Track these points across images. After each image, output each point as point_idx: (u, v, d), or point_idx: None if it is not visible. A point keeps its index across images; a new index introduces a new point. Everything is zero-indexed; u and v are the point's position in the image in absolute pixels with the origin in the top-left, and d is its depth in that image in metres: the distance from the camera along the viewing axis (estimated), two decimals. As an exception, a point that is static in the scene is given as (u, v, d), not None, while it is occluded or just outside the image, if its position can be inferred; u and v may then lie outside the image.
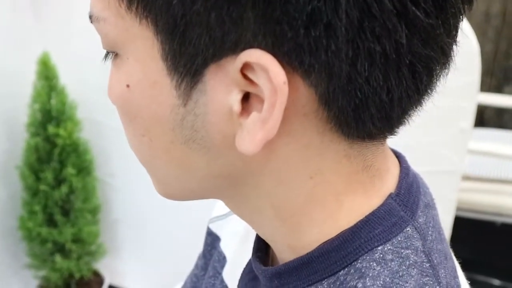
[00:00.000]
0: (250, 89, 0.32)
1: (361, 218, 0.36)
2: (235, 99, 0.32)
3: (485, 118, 2.50)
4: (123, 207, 1.83)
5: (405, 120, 0.36)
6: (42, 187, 1.53)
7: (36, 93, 1.52)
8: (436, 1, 0.30)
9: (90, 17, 0.35)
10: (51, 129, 1.51)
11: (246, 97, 0.32)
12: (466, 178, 1.64)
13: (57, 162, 1.54)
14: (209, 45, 0.30)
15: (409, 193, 0.39)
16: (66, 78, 1.59)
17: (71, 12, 1.61)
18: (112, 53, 0.36)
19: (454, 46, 0.34)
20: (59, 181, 1.56)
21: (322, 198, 0.36)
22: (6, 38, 1.54)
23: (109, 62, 0.38)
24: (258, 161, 0.35)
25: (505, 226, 1.64)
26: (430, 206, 0.41)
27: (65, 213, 1.60)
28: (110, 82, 0.38)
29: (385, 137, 0.37)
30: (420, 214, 0.38)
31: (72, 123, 1.54)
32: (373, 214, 0.37)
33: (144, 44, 0.33)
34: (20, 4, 1.59)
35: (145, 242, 1.84)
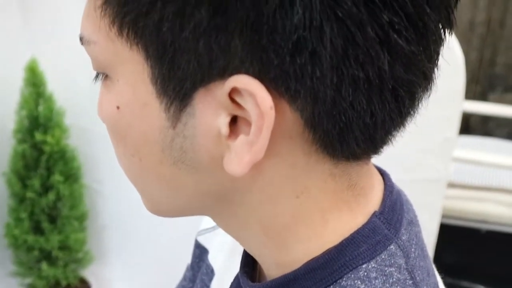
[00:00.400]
0: (237, 112, 0.32)
1: (346, 236, 0.37)
2: (223, 122, 0.33)
3: (471, 125, 2.53)
4: (110, 214, 1.83)
5: (389, 141, 0.37)
6: (29, 194, 1.52)
7: (24, 99, 1.51)
8: (417, 29, 0.31)
9: (81, 39, 0.36)
10: (38, 136, 1.50)
11: (233, 120, 0.33)
12: (451, 185, 1.66)
13: (44, 169, 1.54)
14: (198, 70, 0.31)
15: (393, 211, 0.40)
16: (53, 85, 1.59)
17: (59, 19, 1.60)
18: (102, 75, 0.37)
19: (435, 70, 0.36)
20: (46, 188, 1.56)
21: (308, 216, 0.37)
22: (-7, 45, 1.53)
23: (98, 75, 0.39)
24: (245, 180, 0.35)
25: (489, 233, 1.66)
26: (413, 223, 0.42)
27: (52, 220, 1.60)
28: (100, 101, 0.39)
29: (369, 157, 0.38)
30: (404, 231, 0.39)
31: (59, 130, 1.54)
32: (358, 232, 0.37)
33: (134, 67, 0.33)
34: (7, 10, 1.58)
35: (132, 249, 1.84)
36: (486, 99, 2.59)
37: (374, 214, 0.39)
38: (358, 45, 0.30)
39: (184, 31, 0.30)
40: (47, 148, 1.52)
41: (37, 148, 1.53)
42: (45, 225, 1.57)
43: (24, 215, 1.54)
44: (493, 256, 1.76)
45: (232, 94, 0.32)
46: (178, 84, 0.32)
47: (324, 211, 0.37)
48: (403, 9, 0.30)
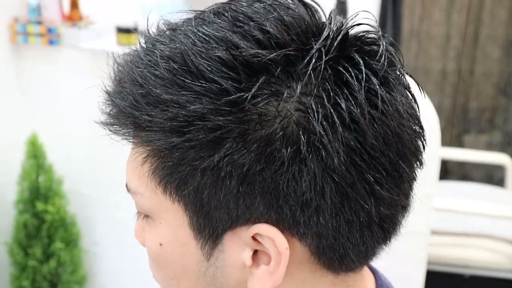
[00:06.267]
0: (259, 247, 0.41)
1: None
2: (247, 256, 0.41)
3: (449, 168, 2.65)
4: (108, 275, 1.88)
5: (378, 254, 0.46)
6: (31, 262, 1.58)
7: (25, 171, 1.58)
8: (395, 179, 0.41)
9: (128, 189, 0.44)
10: (39, 205, 1.57)
11: (255, 251, 0.42)
12: (433, 232, 1.75)
13: (45, 237, 1.59)
14: (227, 220, 0.40)
15: (384, 307, 0.48)
16: (52, 155, 1.66)
17: (55, 94, 1.70)
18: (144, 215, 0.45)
19: (411, 198, 0.45)
20: (47, 255, 1.61)
21: None
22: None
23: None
24: None
25: (473, 278, 1.75)
26: (401, 315, 0.50)
27: (53, 286, 1.65)
28: (139, 230, 0.47)
29: (363, 267, 0.47)
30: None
31: (59, 198, 1.61)
32: None
33: (174, 215, 0.42)
34: (6, 89, 1.67)
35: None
36: (461, 141, 2.72)
37: (369, 312, 0.47)
38: (351, 199, 0.39)
39: (218, 195, 0.39)
40: (48, 217, 1.58)
41: (39, 217, 1.59)
42: (47, 291, 1.62)
43: (26, 283, 1.59)
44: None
45: (255, 235, 0.40)
46: (211, 229, 0.41)
47: None
48: (383, 167, 0.40)
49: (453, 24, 2.55)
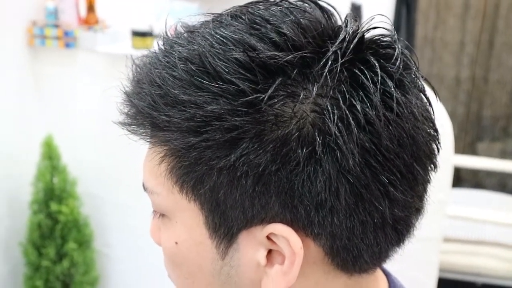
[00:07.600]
0: (273, 247, 0.42)
1: None
2: (262, 255, 0.42)
3: (462, 176, 2.63)
4: (120, 276, 1.89)
5: (392, 255, 0.46)
6: (44, 262, 1.59)
7: (40, 172, 1.60)
8: (409, 181, 0.41)
9: (145, 188, 0.45)
10: (53, 206, 1.59)
11: (269, 251, 0.42)
12: (446, 240, 1.74)
13: (59, 238, 1.61)
14: (243, 219, 0.40)
15: (397, 310, 0.49)
16: (67, 157, 1.68)
17: (71, 98, 1.72)
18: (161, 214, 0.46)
19: (425, 200, 0.45)
20: (60, 256, 1.63)
21: None
22: (10, 123, 1.63)
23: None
24: None
25: (485, 286, 1.74)
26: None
27: (66, 286, 1.66)
28: (154, 230, 0.48)
29: (376, 268, 0.48)
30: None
31: (73, 199, 1.63)
32: None
33: (190, 214, 0.42)
34: (24, 92, 1.69)
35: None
36: (475, 149, 2.70)
37: (382, 315, 0.47)
38: (365, 200, 0.40)
39: (233, 194, 0.39)
40: (62, 218, 1.60)
41: (52, 218, 1.61)
42: (59, 292, 1.63)
43: (39, 283, 1.61)
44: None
45: (269, 235, 0.41)
46: (226, 228, 0.41)
47: None
48: (397, 169, 0.40)
49: (467, 31, 2.54)
